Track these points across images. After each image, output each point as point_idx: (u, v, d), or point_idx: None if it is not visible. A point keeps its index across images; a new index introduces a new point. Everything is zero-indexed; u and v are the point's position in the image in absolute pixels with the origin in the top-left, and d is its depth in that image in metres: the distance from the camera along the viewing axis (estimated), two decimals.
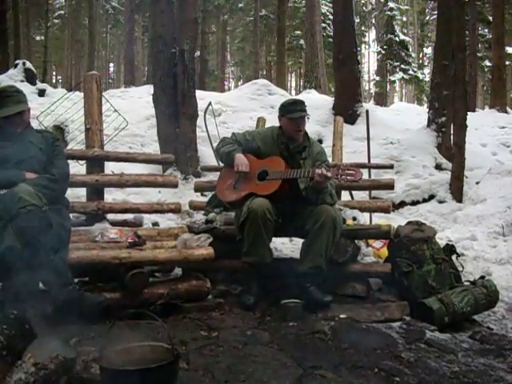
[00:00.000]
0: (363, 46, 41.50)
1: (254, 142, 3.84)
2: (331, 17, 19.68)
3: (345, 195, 5.49)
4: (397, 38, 25.64)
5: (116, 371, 2.02)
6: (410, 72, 26.07)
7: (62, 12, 34.54)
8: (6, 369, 1.83)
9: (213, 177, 6.60)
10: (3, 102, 3.17)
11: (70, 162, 3.52)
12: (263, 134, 3.93)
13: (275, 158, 3.69)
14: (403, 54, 25.93)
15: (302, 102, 3.77)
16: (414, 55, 29.94)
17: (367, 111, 7.46)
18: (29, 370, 1.88)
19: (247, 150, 3.83)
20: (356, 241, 3.95)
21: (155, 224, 5.38)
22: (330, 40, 19.62)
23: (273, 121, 3.91)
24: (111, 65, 45.18)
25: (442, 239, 4.84)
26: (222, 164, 4.28)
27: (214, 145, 4.81)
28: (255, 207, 3.41)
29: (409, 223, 4.15)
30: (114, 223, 4.27)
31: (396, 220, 6.24)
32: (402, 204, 8.02)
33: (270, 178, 3.62)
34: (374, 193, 7.12)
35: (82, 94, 4.95)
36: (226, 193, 3.84)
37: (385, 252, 4.31)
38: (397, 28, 27.64)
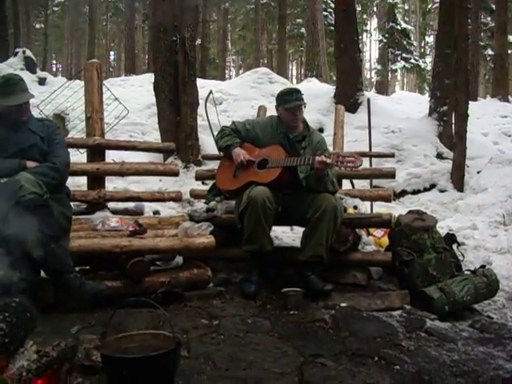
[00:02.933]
0: (365, 34, 41.30)
1: (253, 132, 3.83)
2: (333, 5, 19.57)
3: (346, 184, 5.48)
4: (398, 27, 25.57)
5: (117, 359, 2.03)
6: (412, 61, 26.02)
7: (62, 0, 34.29)
8: (9, 356, 1.84)
9: (214, 165, 6.57)
10: (11, 90, 3.15)
11: (70, 150, 3.52)
12: (263, 123, 3.91)
13: (275, 147, 3.68)
14: (405, 42, 25.87)
15: (297, 91, 3.72)
16: (415, 44, 29.87)
17: (368, 100, 7.43)
18: (31, 357, 1.88)
19: (247, 139, 3.83)
20: (357, 230, 3.95)
21: (156, 212, 5.38)
22: (332, 28, 19.49)
23: (274, 109, 3.89)
24: (111, 53, 44.96)
25: (442, 228, 4.83)
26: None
27: (215, 133, 4.81)
28: (255, 195, 3.40)
29: (410, 212, 4.14)
30: (114, 212, 4.27)
31: (397, 209, 6.25)
32: (403, 193, 8.02)
33: (269, 167, 3.61)
34: (375, 182, 7.11)
35: (82, 83, 4.94)
36: (226, 182, 3.84)
37: (385, 241, 4.31)
38: (398, 16, 27.55)
